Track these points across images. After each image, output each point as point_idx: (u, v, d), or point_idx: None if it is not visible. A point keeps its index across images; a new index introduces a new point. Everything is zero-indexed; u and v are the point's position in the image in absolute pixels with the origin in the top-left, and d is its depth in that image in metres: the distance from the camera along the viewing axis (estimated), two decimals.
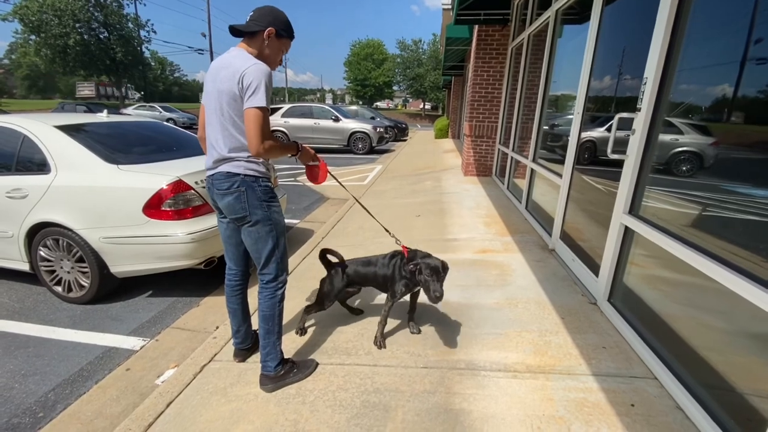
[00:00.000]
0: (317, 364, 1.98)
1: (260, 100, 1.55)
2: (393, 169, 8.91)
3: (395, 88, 51.80)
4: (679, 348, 1.78)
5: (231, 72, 1.58)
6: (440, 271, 1.92)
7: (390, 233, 2.29)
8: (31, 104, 34.88)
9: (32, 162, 2.91)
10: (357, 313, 2.48)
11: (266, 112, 1.58)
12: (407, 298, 2.25)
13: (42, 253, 2.95)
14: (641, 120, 2.07)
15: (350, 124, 12.96)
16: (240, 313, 2.00)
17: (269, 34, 1.67)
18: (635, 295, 2.19)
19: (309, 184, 7.62)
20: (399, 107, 65.47)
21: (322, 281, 2.24)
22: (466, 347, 2.10)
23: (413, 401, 1.73)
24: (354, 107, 19.87)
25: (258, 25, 1.66)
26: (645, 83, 2.04)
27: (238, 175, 1.67)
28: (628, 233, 2.21)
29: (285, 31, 1.73)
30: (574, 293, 2.65)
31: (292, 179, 7.99)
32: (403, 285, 2.09)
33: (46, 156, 2.87)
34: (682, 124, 1.99)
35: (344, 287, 2.21)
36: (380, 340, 2.12)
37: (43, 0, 28.13)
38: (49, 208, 2.81)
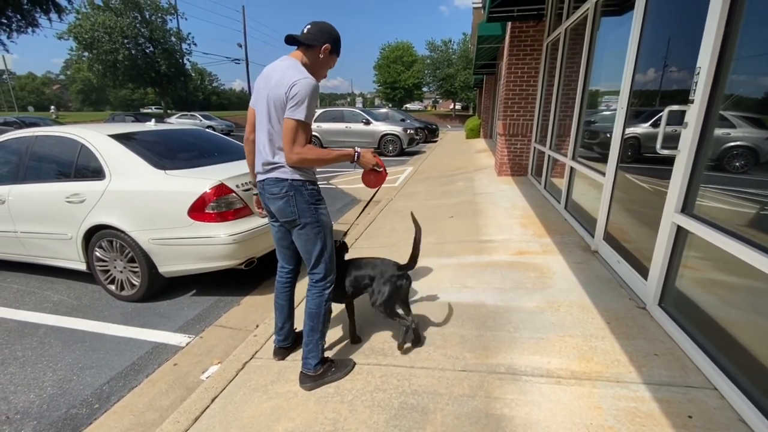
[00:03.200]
0: (355, 363, 1.99)
1: (301, 113, 1.61)
2: (424, 170, 8.86)
3: (425, 89, 51.57)
4: (741, 356, 1.65)
5: (283, 81, 1.63)
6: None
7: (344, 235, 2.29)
8: (85, 116, 37.64)
9: (89, 169, 3.13)
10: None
11: (303, 125, 1.64)
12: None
13: (97, 254, 3.16)
14: (694, 113, 1.94)
15: (380, 127, 13.02)
16: (287, 309, 2.06)
17: (325, 50, 1.76)
18: (689, 300, 2.05)
19: (339, 188, 7.71)
20: (429, 108, 65.16)
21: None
22: (505, 351, 2.04)
23: (452, 404, 1.70)
24: (384, 110, 19.94)
25: (317, 40, 1.74)
26: (698, 73, 1.92)
27: (286, 180, 1.73)
28: (680, 233, 2.08)
29: (336, 49, 1.82)
30: (621, 297, 2.52)
31: (325, 182, 8.13)
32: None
33: (101, 163, 3.07)
34: (734, 117, 1.85)
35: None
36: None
37: (95, 19, 30.26)
38: (104, 211, 3.00)
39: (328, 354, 2.08)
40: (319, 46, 1.74)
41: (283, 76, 1.65)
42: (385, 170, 1.99)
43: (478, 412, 1.65)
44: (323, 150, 1.75)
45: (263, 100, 1.71)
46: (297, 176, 1.74)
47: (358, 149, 1.88)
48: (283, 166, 1.73)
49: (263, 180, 1.79)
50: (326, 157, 1.75)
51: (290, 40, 1.75)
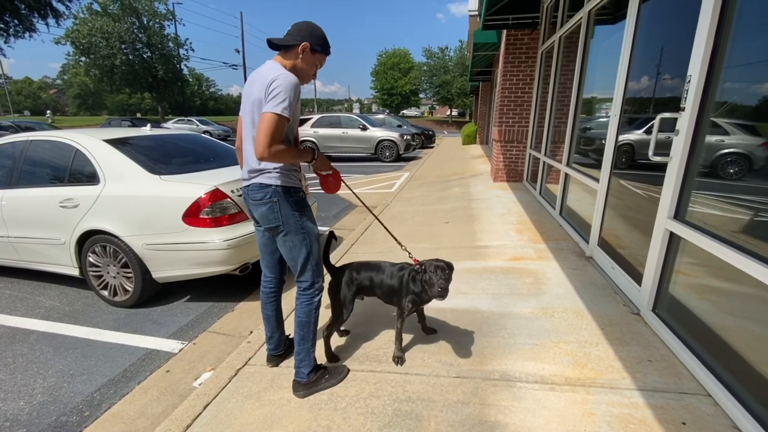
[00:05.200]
0: (348, 370, 1.98)
1: (278, 106, 1.54)
2: (420, 176, 8.89)
3: (422, 95, 51.93)
4: (735, 363, 1.65)
5: (261, 82, 1.61)
6: (445, 269, 1.87)
7: (402, 246, 2.16)
8: (81, 120, 37.56)
9: (83, 174, 3.12)
10: (344, 335, 2.36)
11: (281, 120, 1.56)
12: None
13: (90, 259, 3.13)
14: (685, 120, 1.96)
15: (377, 133, 13.06)
16: (274, 319, 2.04)
17: (303, 49, 1.70)
18: (683, 306, 2.05)
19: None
20: (425, 114, 65.49)
21: (332, 289, 2.07)
22: (500, 357, 2.03)
23: (446, 411, 1.69)
24: (381, 116, 20.03)
25: (294, 39, 1.70)
26: (689, 81, 1.94)
27: (270, 186, 1.71)
28: (673, 239, 2.09)
29: (320, 47, 1.75)
30: (615, 303, 2.52)
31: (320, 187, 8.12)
32: (410, 301, 1.99)
33: (95, 168, 3.06)
34: (727, 124, 1.87)
35: (355, 294, 2.06)
36: (399, 357, 2.04)
37: (93, 24, 30.34)
38: (98, 216, 2.98)
39: (323, 361, 2.07)
40: (296, 45, 1.69)
41: (261, 79, 1.62)
42: (336, 171, 2.00)
43: (472, 419, 1.64)
44: (292, 148, 1.69)
45: (248, 106, 1.70)
46: (281, 182, 1.72)
47: (318, 153, 1.85)
48: (268, 172, 1.71)
49: (248, 186, 1.79)
50: (295, 154, 1.69)
51: (271, 44, 1.74)
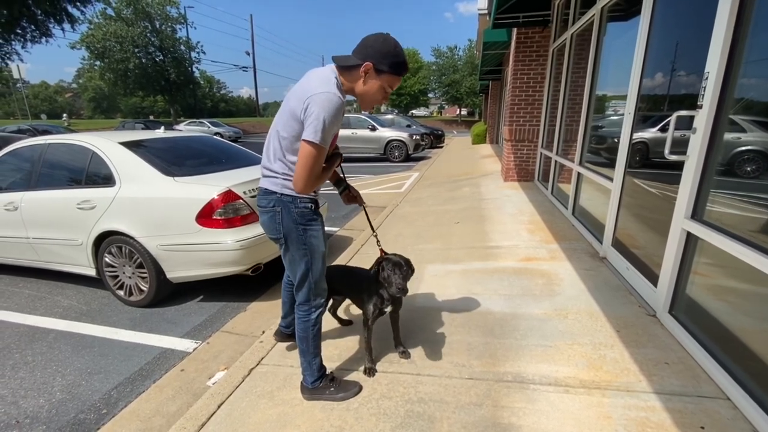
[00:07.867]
0: (361, 388, 1.87)
1: (311, 133, 1.42)
2: (430, 176, 8.86)
3: (431, 95, 51.80)
4: (755, 366, 1.61)
5: (302, 91, 1.47)
6: (403, 266, 1.81)
7: (375, 234, 2.14)
8: (96, 123, 38.28)
9: (99, 176, 3.18)
10: (346, 324, 2.46)
11: (321, 150, 1.45)
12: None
13: (107, 260, 3.19)
14: (703, 118, 1.92)
15: (386, 133, 13.06)
16: (288, 305, 2.07)
17: (366, 70, 1.50)
18: (701, 307, 2.01)
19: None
20: (434, 114, 65.31)
21: None
22: (513, 359, 2.02)
23: (459, 413, 1.68)
24: (390, 116, 20.04)
25: (355, 58, 1.50)
26: (706, 78, 1.90)
27: (275, 193, 1.62)
28: (690, 240, 2.05)
29: (387, 66, 1.50)
30: (630, 304, 2.48)
31: (332, 187, 8.16)
32: (372, 304, 1.92)
33: (111, 170, 3.12)
34: (744, 121, 1.83)
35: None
36: (369, 368, 1.98)
37: (107, 28, 30.98)
38: (114, 218, 3.04)
39: (337, 364, 2.07)
40: (358, 65, 1.49)
41: (304, 86, 1.48)
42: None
43: (485, 420, 1.63)
44: (327, 172, 1.65)
45: (283, 109, 1.57)
46: (287, 191, 1.60)
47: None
48: (275, 177, 1.61)
49: (260, 186, 1.70)
50: (329, 173, 1.69)
51: (336, 63, 1.54)
